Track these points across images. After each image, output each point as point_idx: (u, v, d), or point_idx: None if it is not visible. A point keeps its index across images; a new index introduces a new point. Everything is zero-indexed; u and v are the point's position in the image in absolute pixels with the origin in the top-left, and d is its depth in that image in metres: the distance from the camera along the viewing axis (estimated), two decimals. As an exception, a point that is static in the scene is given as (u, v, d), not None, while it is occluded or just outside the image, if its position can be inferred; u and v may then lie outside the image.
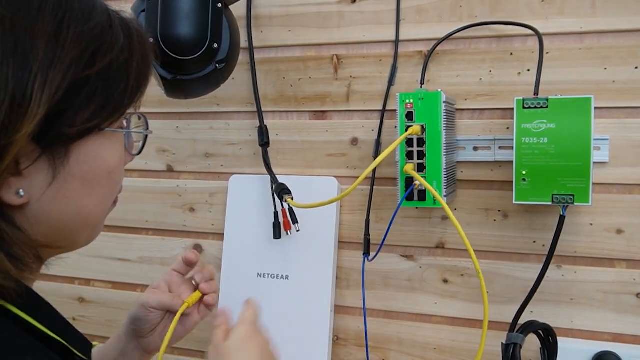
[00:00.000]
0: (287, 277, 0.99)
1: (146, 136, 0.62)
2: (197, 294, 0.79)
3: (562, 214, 0.79)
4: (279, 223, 0.96)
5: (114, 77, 0.51)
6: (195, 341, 1.16)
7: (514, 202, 0.79)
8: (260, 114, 1.00)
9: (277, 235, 0.97)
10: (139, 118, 0.60)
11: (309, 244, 0.98)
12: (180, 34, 0.82)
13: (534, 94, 0.81)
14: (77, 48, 0.48)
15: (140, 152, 0.62)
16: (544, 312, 0.91)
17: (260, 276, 1.01)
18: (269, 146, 1.00)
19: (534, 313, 0.90)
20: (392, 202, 0.97)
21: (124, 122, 0.57)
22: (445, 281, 0.96)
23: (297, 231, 0.93)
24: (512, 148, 0.80)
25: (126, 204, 1.16)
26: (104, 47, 0.49)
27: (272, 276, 1.00)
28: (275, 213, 0.97)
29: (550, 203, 0.78)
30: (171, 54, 0.82)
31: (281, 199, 0.90)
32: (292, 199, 0.88)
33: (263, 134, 0.99)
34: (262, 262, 1.01)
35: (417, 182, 0.81)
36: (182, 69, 0.84)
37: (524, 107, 0.78)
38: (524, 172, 0.78)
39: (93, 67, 0.49)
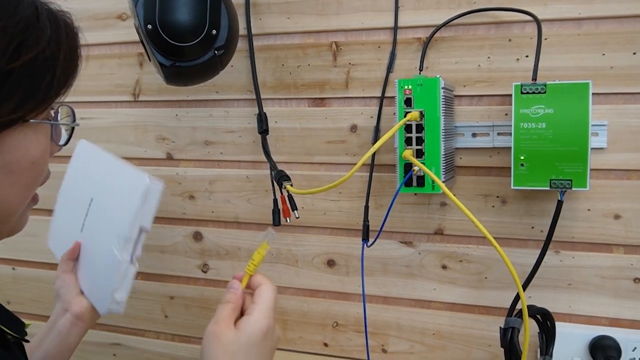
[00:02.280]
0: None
1: (73, 128, 0.62)
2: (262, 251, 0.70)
3: (559, 199, 0.79)
4: (278, 210, 0.96)
5: (40, 70, 0.51)
6: (197, 328, 1.17)
7: (512, 187, 0.80)
8: (259, 101, 1.00)
9: (276, 222, 0.97)
10: (68, 110, 0.61)
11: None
12: (179, 21, 0.81)
13: (532, 80, 0.81)
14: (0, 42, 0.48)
15: (66, 143, 0.61)
16: (542, 297, 0.91)
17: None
18: (268, 133, 1.00)
19: (532, 298, 0.91)
20: (391, 188, 0.98)
21: (51, 113, 0.57)
22: (444, 267, 0.97)
23: (297, 218, 0.94)
24: (511, 134, 0.80)
25: (126, 192, 1.16)
26: (29, 41, 0.49)
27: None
28: (275, 200, 0.97)
29: (548, 188, 0.78)
30: (170, 40, 0.82)
31: (280, 186, 0.90)
32: (292, 185, 0.88)
33: (262, 121, 0.99)
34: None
35: (415, 168, 0.81)
36: (180, 55, 0.84)
37: (522, 93, 0.78)
38: (522, 157, 0.79)
39: (17, 61, 0.48)
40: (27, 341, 0.63)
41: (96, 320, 0.84)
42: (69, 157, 1.00)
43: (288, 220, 0.94)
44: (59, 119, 0.59)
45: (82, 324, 0.81)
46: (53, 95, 0.54)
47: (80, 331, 0.81)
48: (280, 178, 0.90)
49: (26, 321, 0.63)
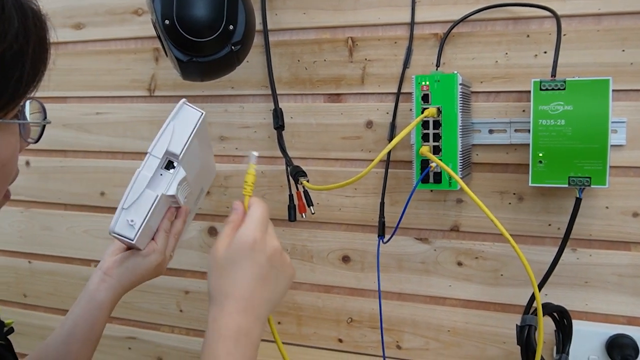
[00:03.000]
0: None
1: (44, 125, 0.57)
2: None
3: (578, 196, 0.79)
4: (294, 205, 0.96)
5: (8, 66, 0.46)
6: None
7: (530, 184, 0.79)
8: (275, 96, 1.00)
9: (292, 217, 0.97)
10: (38, 106, 0.56)
11: None
12: (196, 16, 0.82)
13: (551, 76, 0.80)
14: None
15: (37, 141, 0.57)
16: (559, 295, 0.91)
17: None
18: (283, 129, 1.00)
19: (549, 296, 0.91)
20: (407, 184, 0.97)
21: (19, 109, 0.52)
22: (460, 264, 0.96)
23: (313, 214, 0.93)
24: (528, 131, 0.79)
25: (141, 187, 1.17)
26: None
27: None
28: (290, 195, 0.97)
29: (567, 185, 0.77)
30: (187, 35, 0.82)
31: (296, 182, 0.90)
32: (308, 181, 0.88)
33: (278, 116, 0.99)
34: None
35: (433, 164, 0.81)
36: (197, 50, 0.84)
37: (541, 89, 0.78)
38: (540, 154, 0.78)
39: None
40: (7, 341, 0.62)
41: (128, 281, 0.80)
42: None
43: (304, 216, 0.94)
44: (27, 114, 0.55)
45: (110, 279, 0.79)
46: (22, 93, 0.49)
47: (108, 287, 0.78)
48: (296, 174, 0.90)
49: (7, 320, 0.61)
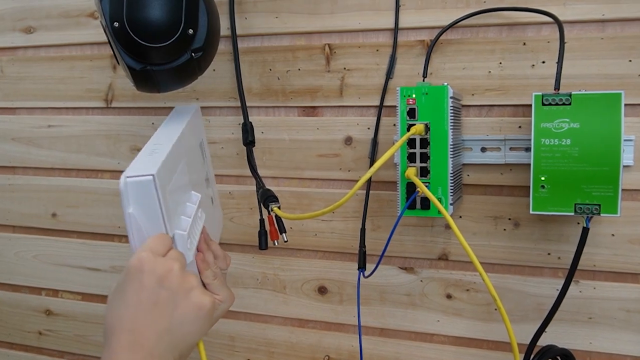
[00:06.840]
0: None
1: None
2: None
3: (585, 225, 0.70)
4: (265, 232, 0.87)
5: None
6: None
7: (531, 212, 0.70)
8: (244, 109, 0.91)
9: (262, 245, 0.87)
10: None
11: None
12: (150, 18, 0.72)
13: (555, 89, 0.71)
14: None
15: None
16: (559, 332, 0.83)
17: None
18: (254, 145, 0.90)
19: (548, 333, 0.82)
20: (390, 207, 0.88)
21: None
22: (449, 296, 0.88)
23: (285, 241, 0.84)
24: (525, 149, 0.72)
25: (96, 208, 1.07)
26: None
27: None
28: (261, 221, 0.87)
29: (573, 214, 0.69)
30: (139, 40, 0.72)
31: (267, 207, 0.80)
32: (279, 207, 0.78)
33: (248, 131, 0.90)
34: None
35: (419, 190, 0.72)
36: (152, 58, 0.74)
37: (543, 104, 0.69)
38: (542, 178, 0.69)
39: None
40: None
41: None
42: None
43: (276, 244, 0.84)
44: None
45: None
46: None
47: None
48: (266, 199, 0.80)
49: None
